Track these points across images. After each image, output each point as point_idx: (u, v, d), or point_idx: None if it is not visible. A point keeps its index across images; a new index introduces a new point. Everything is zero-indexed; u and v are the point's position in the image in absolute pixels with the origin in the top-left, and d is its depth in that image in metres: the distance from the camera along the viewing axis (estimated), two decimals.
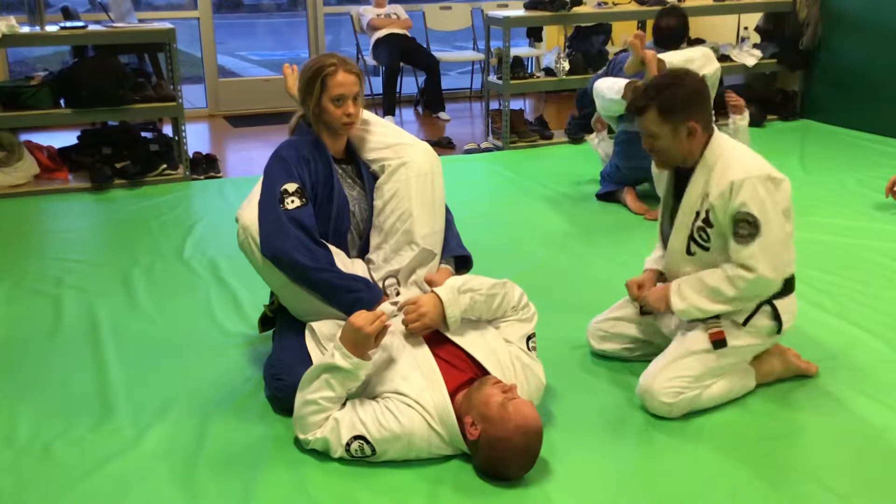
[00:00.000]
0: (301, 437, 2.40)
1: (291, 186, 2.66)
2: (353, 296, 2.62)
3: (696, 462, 2.41)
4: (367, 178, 2.86)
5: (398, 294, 2.71)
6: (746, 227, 2.51)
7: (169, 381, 2.86)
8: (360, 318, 2.30)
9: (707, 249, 2.64)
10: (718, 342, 2.61)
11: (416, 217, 2.77)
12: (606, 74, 4.66)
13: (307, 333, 2.61)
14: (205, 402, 2.73)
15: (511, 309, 2.58)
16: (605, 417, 2.64)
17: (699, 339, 2.63)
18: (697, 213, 2.63)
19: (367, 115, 2.94)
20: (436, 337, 2.49)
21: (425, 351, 2.43)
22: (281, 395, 2.62)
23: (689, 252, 2.69)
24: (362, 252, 2.85)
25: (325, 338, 2.54)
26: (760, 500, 2.25)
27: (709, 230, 2.61)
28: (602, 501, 2.24)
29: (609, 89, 4.42)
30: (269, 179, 2.72)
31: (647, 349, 2.89)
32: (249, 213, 2.69)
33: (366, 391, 2.43)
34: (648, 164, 2.89)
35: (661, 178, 2.85)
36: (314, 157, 2.74)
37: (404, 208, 2.77)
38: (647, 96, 2.60)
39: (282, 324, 2.84)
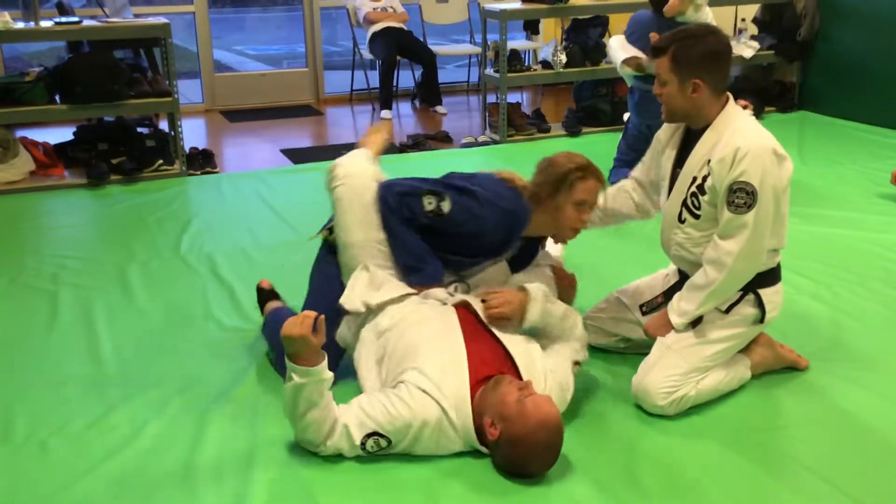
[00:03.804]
0: (313, 450, 2.36)
1: (446, 206, 2.67)
2: (415, 265, 2.70)
3: (697, 453, 2.40)
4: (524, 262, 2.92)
5: (456, 290, 2.76)
6: (744, 196, 2.48)
7: (166, 378, 2.85)
8: (286, 327, 2.22)
9: (697, 218, 2.62)
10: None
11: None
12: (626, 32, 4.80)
13: (358, 272, 2.69)
14: (202, 398, 2.72)
15: (575, 339, 2.61)
16: (602, 410, 2.63)
17: (678, 337, 2.63)
18: (695, 178, 2.60)
19: None
20: (474, 327, 2.48)
21: (458, 337, 2.42)
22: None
23: (680, 219, 2.67)
24: None
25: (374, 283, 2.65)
26: (761, 490, 2.24)
27: (701, 198, 2.58)
28: (602, 496, 2.23)
29: (615, 51, 4.65)
30: (453, 192, 2.70)
31: (640, 344, 2.88)
32: (343, 168, 2.78)
33: (391, 360, 2.42)
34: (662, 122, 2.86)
35: (665, 142, 2.79)
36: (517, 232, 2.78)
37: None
38: (668, 41, 2.59)
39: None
